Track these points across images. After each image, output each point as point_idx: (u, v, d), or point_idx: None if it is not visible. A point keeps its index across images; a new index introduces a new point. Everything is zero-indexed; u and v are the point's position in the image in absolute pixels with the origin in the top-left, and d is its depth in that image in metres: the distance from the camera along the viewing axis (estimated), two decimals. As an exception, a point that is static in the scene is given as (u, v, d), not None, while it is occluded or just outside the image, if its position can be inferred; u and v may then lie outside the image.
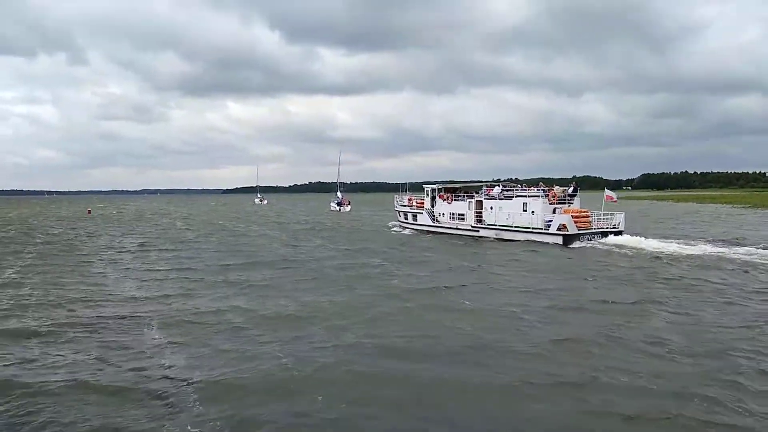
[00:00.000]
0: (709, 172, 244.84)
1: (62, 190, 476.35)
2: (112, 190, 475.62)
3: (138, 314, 12.41)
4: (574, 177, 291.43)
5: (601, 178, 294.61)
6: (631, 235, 27.09)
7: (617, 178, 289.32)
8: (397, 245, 27.98)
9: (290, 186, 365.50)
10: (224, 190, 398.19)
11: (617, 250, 24.15)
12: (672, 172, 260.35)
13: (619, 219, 27.96)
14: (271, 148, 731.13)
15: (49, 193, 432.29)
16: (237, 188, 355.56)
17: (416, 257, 23.09)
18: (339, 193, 79.53)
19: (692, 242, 25.90)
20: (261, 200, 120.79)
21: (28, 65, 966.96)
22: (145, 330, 11.11)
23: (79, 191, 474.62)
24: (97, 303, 13.72)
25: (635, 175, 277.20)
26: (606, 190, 29.21)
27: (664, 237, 28.07)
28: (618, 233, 27.24)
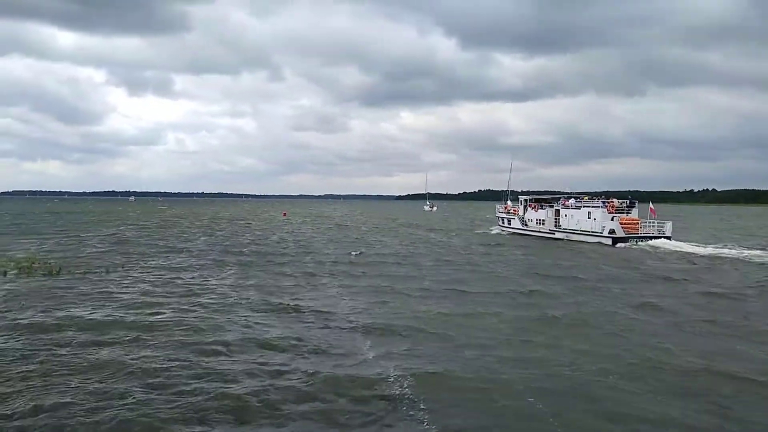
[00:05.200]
0: None
1: (258, 193, 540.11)
2: (300, 195, 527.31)
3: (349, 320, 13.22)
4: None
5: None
6: (677, 241, 35.17)
7: None
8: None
9: (459, 193, 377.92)
10: (396, 197, 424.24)
11: (649, 249, 32.90)
12: None
13: (667, 227, 36.50)
14: (441, 156, 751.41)
15: (246, 196, 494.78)
16: (408, 195, 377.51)
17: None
18: (509, 201, 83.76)
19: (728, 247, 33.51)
20: (430, 207, 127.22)
21: (233, 82, 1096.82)
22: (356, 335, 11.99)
23: (273, 195, 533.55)
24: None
25: None
26: (650, 203, 37.87)
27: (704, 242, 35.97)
28: (666, 238, 35.68)
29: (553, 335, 12.24)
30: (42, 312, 13.56)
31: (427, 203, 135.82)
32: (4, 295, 15.55)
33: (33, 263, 21.27)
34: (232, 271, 21.67)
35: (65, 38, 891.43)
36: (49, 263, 21.54)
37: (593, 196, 41.80)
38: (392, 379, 9.18)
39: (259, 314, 13.92)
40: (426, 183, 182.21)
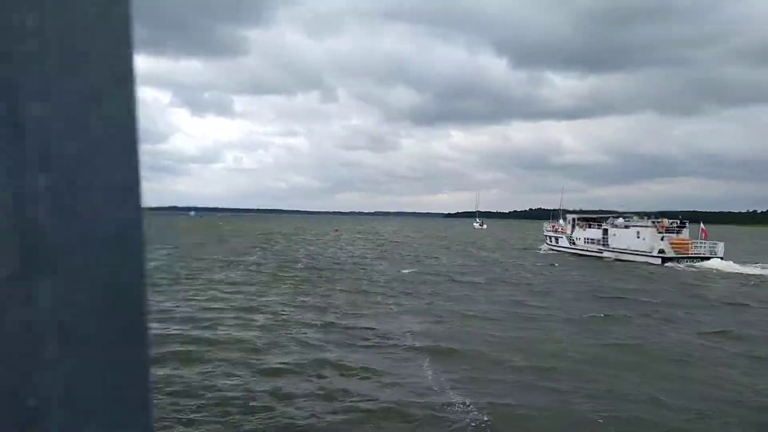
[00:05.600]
0: None
1: (309, 210, 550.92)
2: (350, 212, 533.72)
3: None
4: None
5: None
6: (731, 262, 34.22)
7: None
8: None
9: (509, 212, 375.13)
10: (445, 215, 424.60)
11: (701, 270, 32.42)
12: None
13: (719, 247, 35.70)
14: (491, 174, 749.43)
15: (299, 212, 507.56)
16: (457, 213, 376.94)
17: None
18: (561, 221, 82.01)
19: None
20: (480, 225, 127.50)
21: (288, 103, 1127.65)
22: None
23: (323, 212, 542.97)
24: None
25: None
26: (701, 224, 37.13)
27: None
28: (719, 259, 34.72)
29: (623, 363, 11.63)
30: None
31: (477, 221, 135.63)
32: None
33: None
34: (288, 287, 21.91)
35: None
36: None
37: (643, 215, 41.24)
38: (457, 407, 8.72)
39: (314, 332, 13.79)
40: (476, 201, 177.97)
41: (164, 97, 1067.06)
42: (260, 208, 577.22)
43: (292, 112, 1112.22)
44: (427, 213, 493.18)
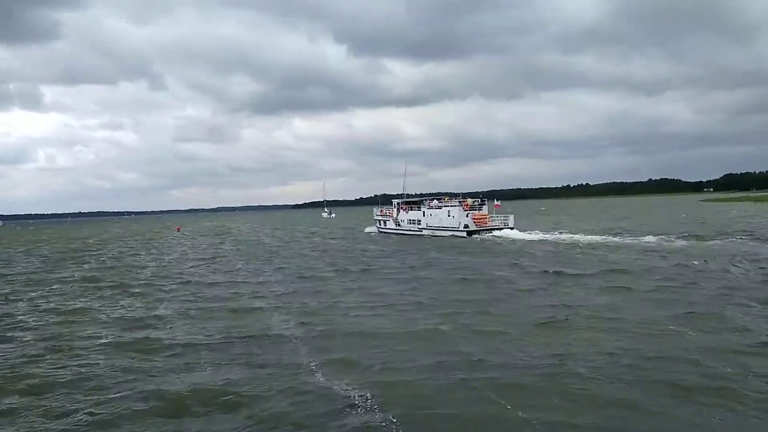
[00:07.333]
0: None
1: (142, 210, 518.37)
2: (190, 209, 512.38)
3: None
4: (650, 180, 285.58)
5: (680, 180, 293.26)
6: (518, 231, 42.57)
7: (698, 180, 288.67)
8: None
9: (356, 199, 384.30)
10: (294, 206, 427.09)
11: (493, 238, 40.26)
12: (757, 172, 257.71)
13: (510, 220, 43.85)
14: (338, 163, 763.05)
15: (129, 213, 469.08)
16: (306, 203, 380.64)
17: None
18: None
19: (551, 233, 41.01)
20: (329, 215, 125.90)
21: (110, 93, 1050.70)
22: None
23: (160, 211, 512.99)
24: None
25: (717, 176, 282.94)
26: (495, 200, 45.51)
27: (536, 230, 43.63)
28: (510, 229, 43.01)
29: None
30: None
31: (325, 210, 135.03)
32: None
33: None
34: (129, 301, 19.30)
35: None
36: None
37: (452, 197, 48.85)
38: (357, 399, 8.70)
39: (196, 353, 12.04)
40: (323, 190, 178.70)
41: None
42: (83, 211, 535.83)
43: (115, 103, 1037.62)
44: (275, 205, 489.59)
